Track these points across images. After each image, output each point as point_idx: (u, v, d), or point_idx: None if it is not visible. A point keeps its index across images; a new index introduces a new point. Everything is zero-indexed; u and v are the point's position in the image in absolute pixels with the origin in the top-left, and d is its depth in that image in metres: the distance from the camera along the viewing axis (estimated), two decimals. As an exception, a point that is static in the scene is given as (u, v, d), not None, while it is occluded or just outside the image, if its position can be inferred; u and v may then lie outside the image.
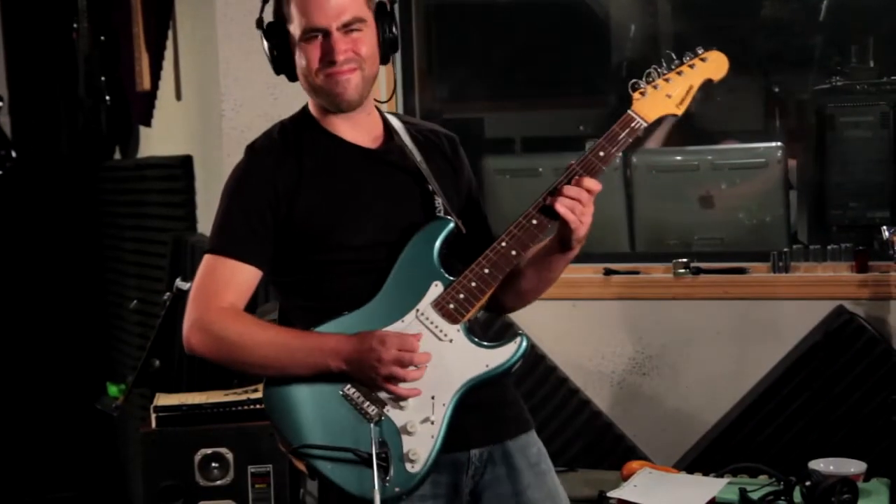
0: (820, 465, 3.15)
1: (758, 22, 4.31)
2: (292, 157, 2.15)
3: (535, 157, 4.39)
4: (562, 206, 2.07)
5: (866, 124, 3.77)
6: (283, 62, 2.15)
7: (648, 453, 3.75)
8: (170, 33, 4.38)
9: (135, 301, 4.42)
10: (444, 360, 2.07)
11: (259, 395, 3.11)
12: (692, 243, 3.99)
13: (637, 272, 3.83)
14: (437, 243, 2.12)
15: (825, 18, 4.21)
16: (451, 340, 2.09)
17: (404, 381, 2.04)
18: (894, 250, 3.11)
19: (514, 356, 2.10)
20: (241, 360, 2.10)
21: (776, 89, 4.27)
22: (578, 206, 2.08)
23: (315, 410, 2.07)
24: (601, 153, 2.12)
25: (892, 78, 3.85)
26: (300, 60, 2.11)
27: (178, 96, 4.38)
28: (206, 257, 2.17)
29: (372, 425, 2.03)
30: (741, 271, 3.72)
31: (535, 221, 2.11)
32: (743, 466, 3.26)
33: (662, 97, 2.18)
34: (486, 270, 2.09)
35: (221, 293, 2.11)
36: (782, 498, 3.03)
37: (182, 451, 3.05)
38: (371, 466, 2.00)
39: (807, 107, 4.07)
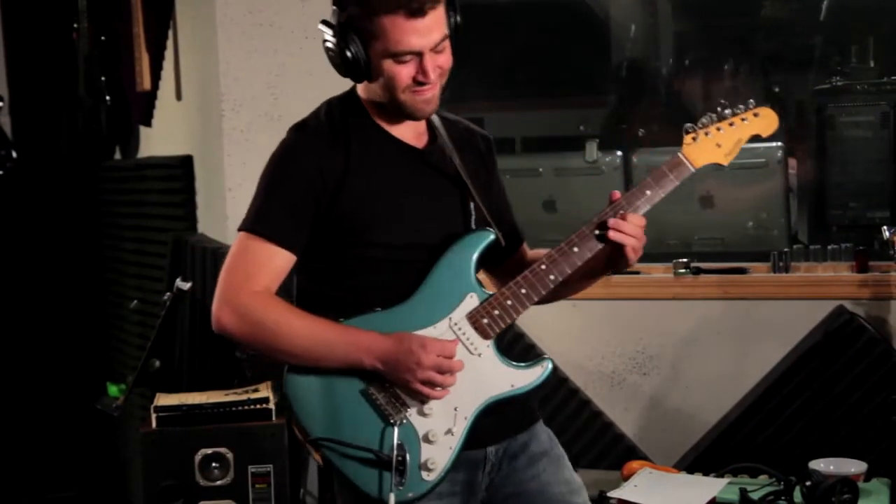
0: (820, 465, 3.15)
1: (758, 22, 4.31)
2: (340, 144, 2.12)
3: (535, 157, 4.39)
4: (622, 237, 2.12)
5: (866, 124, 3.78)
6: (355, 67, 2.10)
7: (648, 453, 3.75)
8: (170, 33, 4.38)
9: (135, 301, 4.42)
10: (471, 374, 2.08)
11: (259, 395, 3.13)
12: (692, 243, 3.99)
13: (637, 272, 3.83)
14: (476, 254, 2.13)
15: (825, 18, 4.21)
16: (479, 355, 2.10)
17: (441, 386, 2.04)
18: (894, 250, 3.11)
19: (539, 379, 2.13)
20: (273, 346, 2.07)
21: (776, 89, 4.27)
22: (634, 241, 2.14)
23: (337, 404, 2.07)
24: (648, 191, 2.17)
25: (892, 78, 3.86)
26: (388, 76, 2.06)
27: (179, 96, 4.38)
28: (242, 236, 2.12)
29: (396, 427, 2.04)
30: (741, 271, 3.72)
31: (576, 249, 2.13)
32: (743, 466, 3.26)
33: (712, 145, 2.21)
34: (524, 290, 2.11)
35: (257, 276, 2.08)
36: (782, 498, 3.03)
37: (182, 451, 3.05)
38: (389, 469, 2.01)
39: (807, 107, 4.07)
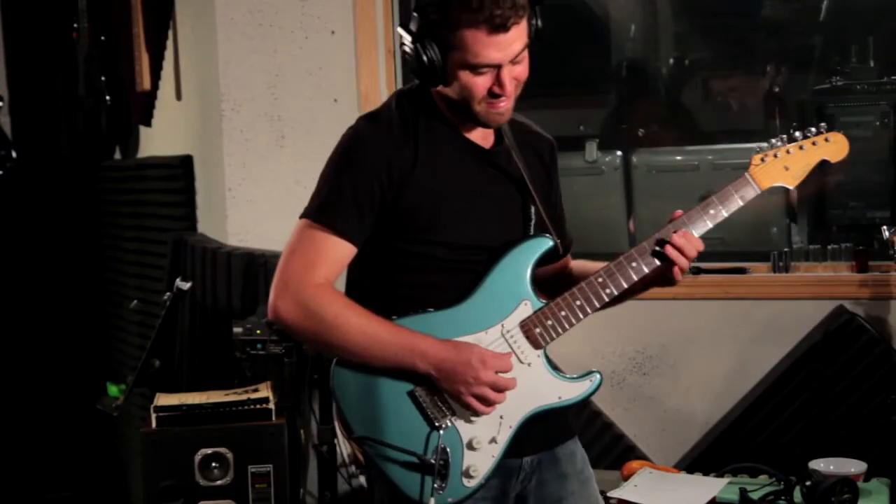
0: (820, 464, 3.15)
1: (758, 22, 4.31)
2: (410, 138, 2.09)
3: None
4: (677, 255, 2.13)
5: (866, 124, 3.78)
6: (431, 72, 2.06)
7: (648, 453, 3.75)
8: (170, 33, 4.38)
9: (135, 301, 4.42)
10: (520, 384, 2.07)
11: (259, 395, 3.13)
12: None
13: (637, 272, 3.82)
14: (534, 261, 2.12)
15: (825, 18, 4.21)
16: (529, 364, 2.09)
17: (493, 403, 2.04)
18: (894, 250, 3.11)
19: (586, 392, 2.13)
20: (328, 340, 2.05)
21: (776, 89, 4.27)
22: (686, 263, 2.14)
23: (382, 403, 2.05)
24: (711, 210, 2.18)
25: (892, 78, 3.86)
26: (465, 86, 2.04)
27: (178, 96, 4.38)
28: (305, 223, 2.08)
29: (441, 432, 2.04)
30: (741, 271, 3.72)
31: (634, 265, 2.14)
32: (743, 466, 3.26)
33: (781, 168, 2.21)
34: (578, 302, 2.11)
35: (318, 266, 2.04)
36: (782, 498, 3.03)
37: (182, 450, 3.04)
38: (431, 473, 2.01)
39: (807, 107, 4.07)
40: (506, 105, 2.08)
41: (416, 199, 2.07)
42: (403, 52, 2.11)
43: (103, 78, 4.81)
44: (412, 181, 2.06)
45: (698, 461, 3.64)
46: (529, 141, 2.26)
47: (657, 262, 2.14)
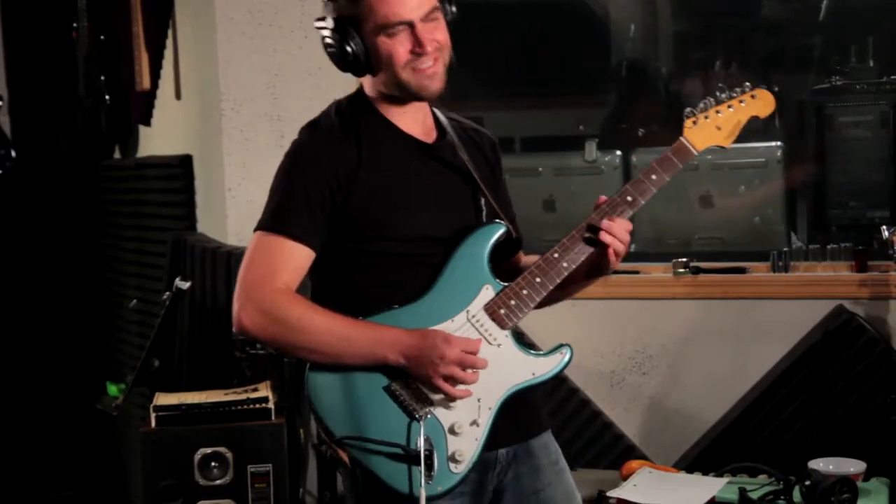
0: (819, 464, 3.15)
1: (758, 22, 4.32)
2: (352, 140, 2.12)
3: (535, 157, 4.39)
4: (609, 239, 2.13)
5: (866, 124, 3.78)
6: (355, 59, 2.10)
7: (648, 453, 3.75)
8: (169, 32, 4.38)
9: (134, 301, 4.42)
10: (492, 364, 2.09)
11: (259, 394, 3.13)
12: (692, 243, 3.99)
13: (637, 272, 3.83)
14: (489, 246, 2.14)
15: (825, 18, 4.21)
16: (499, 345, 2.11)
17: (463, 382, 2.05)
18: (894, 250, 3.11)
19: (559, 366, 2.15)
20: (296, 343, 2.07)
21: (776, 89, 4.27)
22: (622, 248, 2.15)
23: (360, 402, 2.06)
24: (653, 176, 2.21)
25: (892, 78, 3.86)
26: (385, 54, 2.08)
27: (178, 96, 4.38)
28: (260, 235, 2.11)
29: (421, 422, 2.04)
30: (741, 271, 3.72)
31: (588, 235, 2.14)
32: (742, 466, 3.26)
33: (713, 128, 2.24)
34: (538, 279, 2.12)
35: (277, 273, 2.07)
36: (782, 497, 3.03)
37: (182, 450, 3.04)
38: (417, 463, 2.01)
39: (806, 106, 4.07)
40: (433, 68, 2.10)
41: (366, 199, 2.09)
42: (325, 46, 2.14)
43: (103, 77, 4.81)
44: (359, 182, 2.09)
45: (698, 461, 3.64)
46: (471, 137, 2.29)
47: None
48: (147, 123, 4.73)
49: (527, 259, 2.33)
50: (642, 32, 4.55)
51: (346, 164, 2.09)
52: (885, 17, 4.04)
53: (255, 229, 2.13)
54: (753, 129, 4.43)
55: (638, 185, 2.19)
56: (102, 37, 4.81)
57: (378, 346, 2.04)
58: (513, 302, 2.11)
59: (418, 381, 2.06)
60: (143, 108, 4.68)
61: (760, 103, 2.27)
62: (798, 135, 4.11)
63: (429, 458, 2.02)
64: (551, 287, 2.13)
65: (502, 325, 2.11)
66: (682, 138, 2.23)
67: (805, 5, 4.27)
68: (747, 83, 2.27)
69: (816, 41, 4.21)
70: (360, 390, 2.07)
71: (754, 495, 3.02)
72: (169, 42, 4.40)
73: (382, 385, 2.07)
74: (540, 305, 2.16)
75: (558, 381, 3.81)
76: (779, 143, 3.90)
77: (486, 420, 2.09)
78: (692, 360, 3.75)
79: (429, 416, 2.06)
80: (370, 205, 2.10)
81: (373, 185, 2.10)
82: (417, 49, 2.07)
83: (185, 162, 4.27)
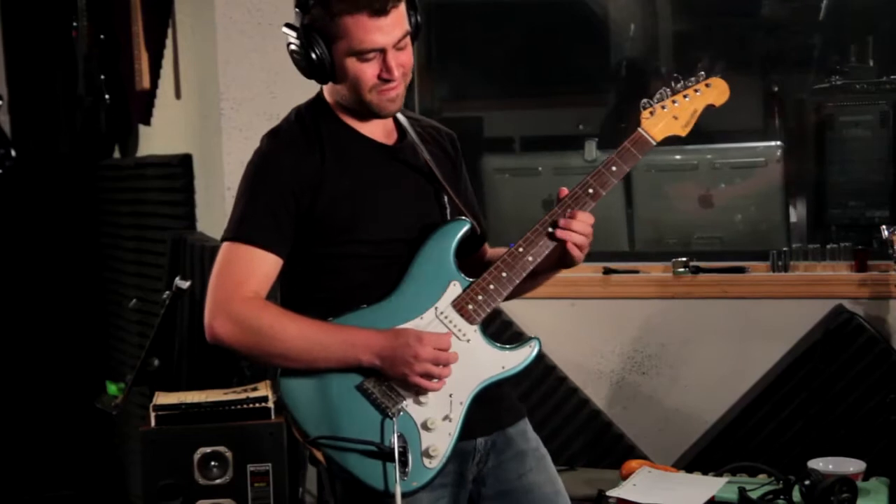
0: (819, 464, 3.15)
1: (757, 21, 4.31)
2: (314, 146, 2.15)
3: (535, 156, 4.39)
4: (570, 245, 2.15)
5: (865, 123, 3.78)
6: (320, 68, 2.13)
7: (648, 452, 3.75)
8: (169, 32, 4.38)
9: (134, 300, 4.42)
10: (462, 360, 2.11)
11: (258, 393, 3.13)
12: (691, 242, 3.99)
13: (636, 271, 3.83)
14: (454, 243, 2.16)
15: (825, 18, 4.21)
16: (468, 340, 2.13)
17: (438, 378, 2.07)
18: (894, 249, 3.11)
19: (528, 359, 2.16)
20: (269, 350, 2.09)
21: (775, 88, 4.27)
22: (584, 241, 2.17)
23: (333, 402, 2.08)
24: (614, 168, 2.23)
25: (892, 77, 3.86)
26: (353, 76, 2.11)
27: (178, 95, 4.38)
28: (227, 245, 2.14)
29: (394, 419, 2.06)
30: (740, 270, 3.72)
31: (550, 230, 2.16)
32: (742, 465, 3.26)
33: (669, 118, 2.28)
34: (504, 274, 2.14)
35: (246, 282, 2.09)
36: (781, 497, 3.03)
37: (181, 449, 3.05)
38: (392, 460, 2.03)
39: (806, 106, 4.07)
40: (396, 91, 2.14)
41: (330, 204, 2.12)
42: (290, 52, 2.18)
43: (103, 77, 4.81)
44: (322, 186, 2.12)
45: (697, 460, 3.65)
46: (431, 135, 2.31)
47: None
48: (147, 123, 4.73)
49: (493, 252, 2.36)
50: (642, 32, 4.54)
51: (310, 171, 2.12)
52: (884, 16, 4.04)
53: (222, 239, 2.15)
54: (753, 130, 4.47)
55: (599, 176, 2.22)
56: (102, 36, 4.81)
57: (351, 348, 2.07)
58: (480, 297, 2.13)
59: (392, 381, 2.08)
60: (142, 107, 4.68)
61: (715, 91, 2.31)
62: (798, 134, 4.11)
63: (403, 454, 2.04)
64: (517, 281, 2.15)
65: (471, 321, 2.13)
66: (639, 129, 2.27)
67: (805, 5, 4.27)
68: (701, 72, 2.31)
69: (816, 41, 4.21)
70: (332, 390, 2.09)
71: (754, 495, 3.03)
72: (169, 41, 4.40)
73: (354, 384, 2.09)
74: (507, 298, 2.18)
75: (557, 380, 3.82)
76: (778, 143, 3.89)
77: (458, 414, 2.11)
78: (692, 359, 3.75)
79: (401, 412, 2.08)
80: (335, 209, 2.12)
81: (337, 189, 2.12)
82: (385, 75, 2.11)
83: (184, 161, 4.27)
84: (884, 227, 3.16)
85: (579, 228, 2.16)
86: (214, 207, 4.07)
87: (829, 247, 3.67)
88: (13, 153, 4.34)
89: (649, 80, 4.48)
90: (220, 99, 3.88)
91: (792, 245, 3.78)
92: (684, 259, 3.73)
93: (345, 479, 2.10)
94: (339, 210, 2.12)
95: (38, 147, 5.27)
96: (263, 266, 2.11)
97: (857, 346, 3.49)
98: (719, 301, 3.70)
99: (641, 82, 4.48)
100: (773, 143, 3.91)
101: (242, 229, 2.12)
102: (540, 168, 4.19)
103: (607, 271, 3.81)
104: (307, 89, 3.87)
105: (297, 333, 2.07)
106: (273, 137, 2.20)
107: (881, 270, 3.55)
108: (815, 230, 3.92)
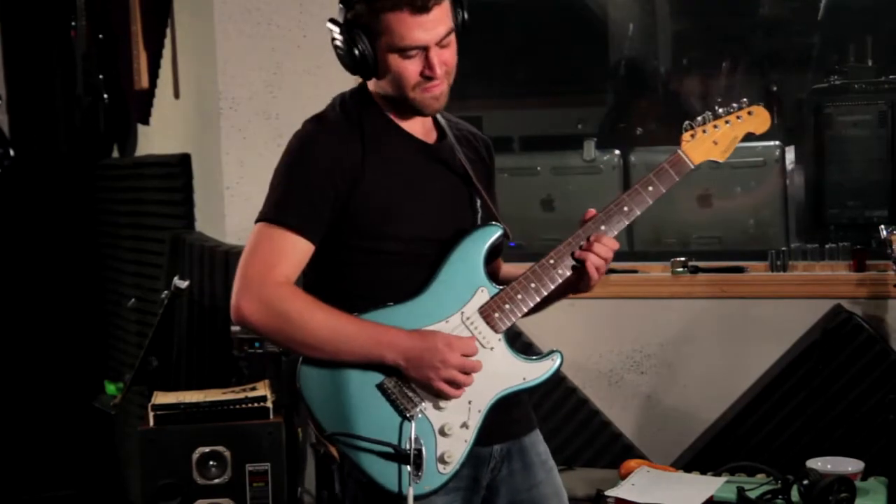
0: (817, 463, 3.15)
1: (756, 21, 4.32)
2: (356, 136, 2.13)
3: (534, 156, 4.40)
4: (591, 265, 2.15)
5: (864, 123, 3.78)
6: (363, 64, 2.12)
7: (646, 452, 3.75)
8: (168, 31, 4.38)
9: (133, 300, 4.41)
10: (484, 368, 2.10)
11: (257, 393, 3.13)
12: (690, 242, 3.99)
13: (635, 271, 3.83)
14: (486, 248, 2.15)
15: (824, 17, 4.21)
16: (492, 349, 2.12)
17: (462, 386, 2.06)
18: (892, 249, 3.11)
19: (549, 372, 2.15)
20: (294, 337, 2.07)
21: (774, 88, 4.28)
22: (603, 265, 2.16)
23: (351, 398, 2.07)
24: (650, 188, 2.20)
25: (891, 77, 3.86)
26: (396, 72, 2.10)
27: (177, 94, 4.38)
28: (262, 226, 2.10)
29: (412, 422, 2.05)
30: (739, 270, 3.72)
31: (580, 245, 2.16)
32: (741, 465, 3.26)
33: (710, 143, 2.27)
34: (533, 284, 2.13)
35: (279, 266, 2.07)
36: (780, 497, 3.03)
37: (180, 449, 3.05)
38: (406, 462, 2.02)
39: (805, 106, 4.07)
40: (440, 89, 2.12)
41: (367, 196, 2.10)
42: (335, 47, 2.16)
43: (101, 76, 4.81)
44: (362, 177, 2.10)
45: (696, 460, 3.65)
46: (468, 138, 2.30)
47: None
48: (145, 122, 4.73)
49: (506, 267, 2.35)
50: (641, 31, 4.55)
51: (351, 159, 2.10)
52: (883, 16, 4.04)
53: (257, 220, 2.12)
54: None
55: (635, 195, 2.19)
56: (101, 36, 4.80)
57: (377, 345, 2.05)
58: (507, 306, 2.12)
59: (414, 382, 2.07)
60: (141, 106, 4.68)
61: (757, 120, 2.30)
62: (797, 134, 4.11)
63: (418, 458, 2.03)
64: (545, 293, 2.14)
65: (496, 329, 2.12)
66: (679, 151, 2.24)
67: (804, 4, 4.27)
68: (744, 99, 2.31)
69: (815, 40, 4.21)
70: (352, 387, 2.07)
71: (752, 494, 3.03)
72: (167, 41, 4.39)
73: (375, 382, 2.07)
74: (527, 313, 2.17)
75: (556, 380, 3.81)
76: (778, 143, 3.90)
77: (475, 422, 2.10)
78: (690, 359, 3.75)
79: (419, 415, 2.07)
80: (371, 202, 2.10)
81: (375, 182, 2.10)
82: (428, 72, 2.09)
83: (183, 161, 4.27)
84: (882, 226, 3.15)
85: (600, 251, 2.14)
86: (213, 207, 4.07)
87: (827, 247, 3.68)
88: (12, 153, 4.34)
89: (648, 79, 4.49)
90: (219, 98, 3.87)
91: (791, 245, 3.78)
92: (683, 259, 3.73)
93: (357, 477, 2.09)
94: (375, 203, 2.10)
95: (36, 146, 5.27)
96: (296, 251, 2.08)
97: (856, 346, 3.50)
98: (718, 301, 3.70)
99: (640, 82, 4.49)
100: (771, 143, 3.90)
101: (279, 212, 2.09)
102: (539, 167, 4.19)
103: (606, 271, 3.80)
104: (306, 89, 3.89)
105: (324, 324, 2.05)
106: (317, 122, 2.17)
107: (880, 270, 3.55)
108: (814, 230, 3.93)
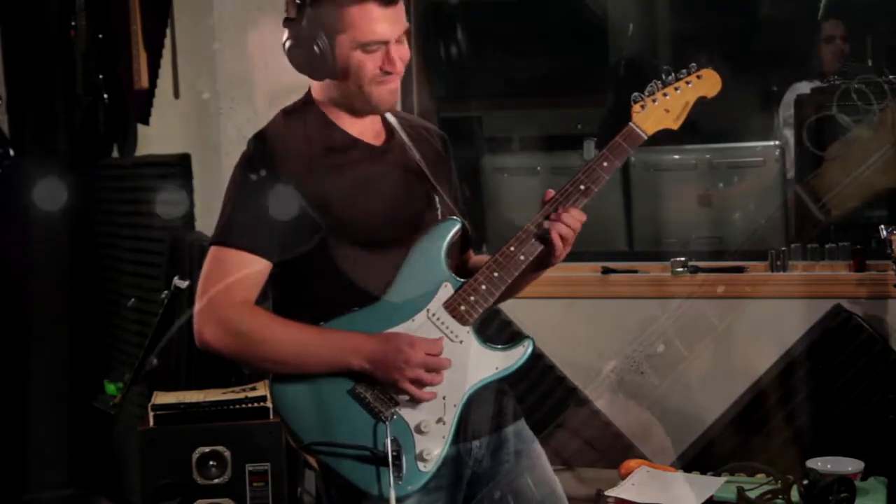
0: (817, 463, 3.15)
1: (757, 21, 4.32)
2: (301, 148, 2.14)
3: (533, 156, 4.40)
4: (555, 233, 2.12)
5: (864, 123, 3.78)
6: (321, 62, 2.13)
7: (646, 452, 3.75)
8: (168, 31, 4.38)
9: (132, 300, 4.42)
10: (456, 362, 2.10)
11: (257, 393, 3.13)
12: (690, 242, 3.99)
13: (635, 271, 3.83)
14: (445, 243, 2.15)
15: (824, 18, 4.21)
16: (461, 342, 2.11)
17: (430, 384, 2.06)
18: (892, 249, 3.11)
19: (521, 359, 2.14)
20: (259, 356, 2.09)
21: (775, 88, 4.28)
22: (570, 234, 2.13)
23: (325, 407, 2.07)
24: (605, 164, 2.19)
25: (891, 77, 3.86)
26: (355, 67, 2.10)
27: (176, 94, 4.38)
28: (214, 249, 2.12)
29: (387, 423, 2.05)
30: (739, 270, 3.72)
31: (542, 226, 2.14)
32: (740, 465, 3.26)
33: (661, 111, 2.26)
34: (496, 274, 2.12)
35: (235, 287, 2.08)
36: (780, 497, 3.03)
37: (180, 449, 3.04)
38: (386, 464, 2.02)
39: (805, 105, 4.07)
40: (395, 84, 2.14)
41: (319, 206, 2.10)
42: (287, 49, 2.18)
43: (101, 76, 4.80)
44: (310, 189, 2.10)
45: (696, 460, 3.65)
46: (421, 135, 2.30)
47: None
48: (145, 122, 4.72)
49: (476, 258, 2.35)
50: (641, 31, 4.55)
51: (296, 173, 2.10)
52: (884, 16, 4.04)
53: (209, 244, 2.13)
54: (752, 129, 4.47)
55: (590, 173, 2.18)
56: (100, 35, 4.80)
57: (341, 352, 2.06)
58: (472, 298, 2.12)
59: (384, 384, 2.07)
60: (141, 106, 4.68)
61: (707, 83, 2.30)
62: (796, 134, 4.11)
63: (397, 458, 2.03)
64: (509, 281, 2.13)
65: (463, 322, 2.11)
66: (631, 124, 2.24)
67: (804, 5, 4.27)
68: (693, 64, 2.30)
69: (815, 40, 4.21)
70: (325, 396, 2.07)
71: (752, 494, 3.03)
72: (167, 40, 4.39)
73: (347, 388, 2.07)
74: (499, 300, 2.17)
75: (556, 380, 3.82)
76: (777, 143, 3.90)
77: (451, 417, 2.10)
78: (690, 359, 3.75)
79: (394, 416, 2.07)
80: (324, 211, 2.10)
81: (325, 191, 2.11)
82: (388, 67, 2.11)
83: (183, 160, 4.27)
84: (882, 226, 3.15)
85: (568, 221, 2.13)
86: (213, 207, 4.06)
87: (827, 246, 3.68)
88: (12, 152, 4.33)
89: (648, 79, 4.49)
90: (219, 98, 3.87)
91: (790, 245, 3.78)
92: (683, 259, 3.73)
93: (339, 483, 2.09)
94: (328, 212, 2.10)
95: (36, 146, 5.26)
96: (252, 271, 2.09)
97: (856, 346, 3.50)
98: (718, 301, 3.70)
99: (640, 82, 4.49)
100: (771, 143, 3.91)
101: (230, 234, 2.10)
102: (538, 167, 4.19)
103: (606, 271, 3.81)
104: (305, 89, 3.88)
105: (286, 338, 2.07)
106: (258, 139, 2.18)
107: (879, 270, 3.55)
108: (814, 230, 3.92)
